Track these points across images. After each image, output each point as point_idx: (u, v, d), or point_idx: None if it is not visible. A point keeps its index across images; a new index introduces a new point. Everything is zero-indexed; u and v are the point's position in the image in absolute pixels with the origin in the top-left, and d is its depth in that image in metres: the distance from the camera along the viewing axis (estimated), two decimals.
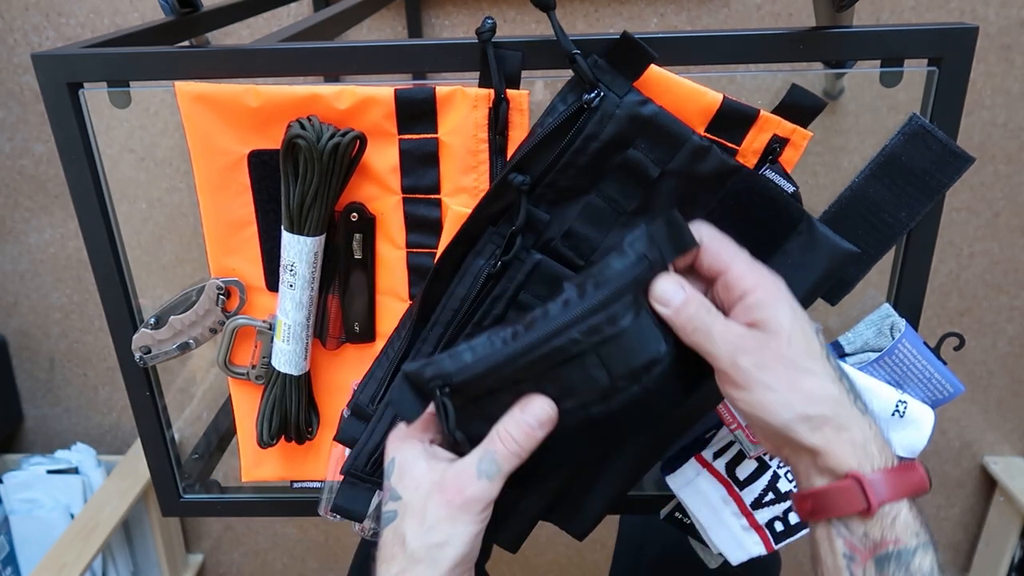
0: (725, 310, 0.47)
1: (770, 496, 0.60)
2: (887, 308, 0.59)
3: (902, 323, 0.58)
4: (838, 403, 0.44)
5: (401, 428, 0.51)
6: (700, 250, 0.48)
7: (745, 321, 0.46)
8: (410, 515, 0.47)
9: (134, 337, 0.61)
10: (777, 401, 0.44)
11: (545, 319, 0.46)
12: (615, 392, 0.48)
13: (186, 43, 0.72)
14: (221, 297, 0.60)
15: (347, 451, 0.59)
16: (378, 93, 0.53)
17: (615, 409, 0.48)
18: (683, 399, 0.51)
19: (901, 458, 0.56)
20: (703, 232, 0.48)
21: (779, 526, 0.60)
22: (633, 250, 0.47)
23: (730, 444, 0.60)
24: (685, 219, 0.54)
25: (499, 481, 0.47)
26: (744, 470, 0.60)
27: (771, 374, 0.44)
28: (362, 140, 0.54)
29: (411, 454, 0.49)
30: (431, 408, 0.49)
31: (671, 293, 0.47)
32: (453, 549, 0.46)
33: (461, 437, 0.48)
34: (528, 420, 0.47)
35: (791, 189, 0.53)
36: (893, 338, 0.57)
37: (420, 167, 0.55)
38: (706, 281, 0.49)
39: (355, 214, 0.56)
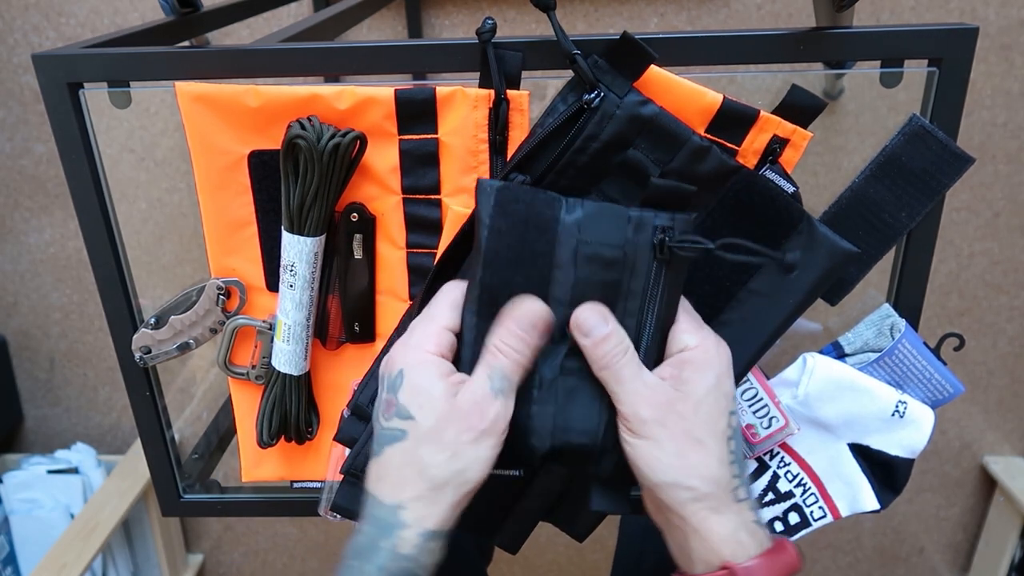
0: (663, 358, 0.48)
1: (770, 496, 0.60)
2: (887, 308, 0.59)
3: (902, 323, 0.58)
4: (718, 484, 0.45)
5: (416, 337, 0.48)
6: None
7: (668, 373, 0.47)
8: (427, 439, 0.45)
9: (134, 337, 0.61)
10: (661, 460, 0.45)
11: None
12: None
13: (186, 43, 0.72)
14: (221, 297, 0.60)
15: (347, 451, 0.59)
16: (378, 93, 0.53)
17: None
18: None
19: (773, 532, 0.56)
20: None
21: (779, 526, 0.60)
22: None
23: None
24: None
25: (512, 396, 0.46)
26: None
27: (665, 433, 0.45)
28: (362, 140, 0.54)
29: (425, 370, 0.46)
30: (446, 324, 0.47)
31: (593, 324, 0.46)
32: (475, 473, 0.45)
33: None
34: (522, 325, 0.46)
35: (791, 189, 0.53)
36: (893, 338, 0.57)
37: (420, 167, 0.55)
38: None
39: (355, 214, 0.56)
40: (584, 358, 0.47)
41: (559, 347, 0.48)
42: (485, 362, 0.46)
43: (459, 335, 0.48)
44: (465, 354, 0.48)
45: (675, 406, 0.45)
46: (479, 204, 0.47)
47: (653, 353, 0.48)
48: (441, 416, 0.45)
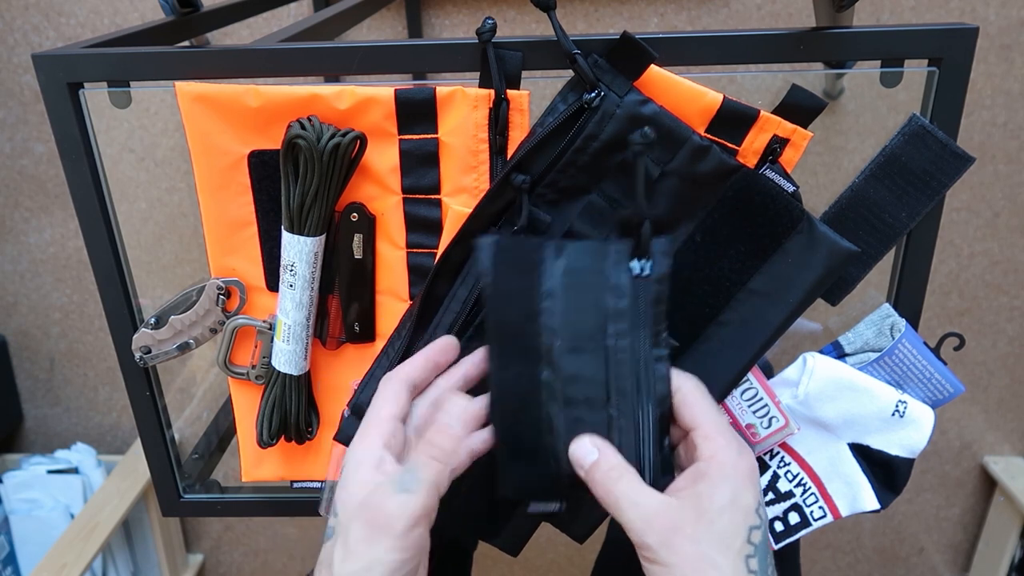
0: (684, 466, 0.47)
1: (770, 496, 0.60)
2: (887, 308, 0.59)
3: (902, 323, 0.58)
4: None
5: (364, 425, 0.47)
6: (677, 398, 0.47)
7: (683, 484, 0.45)
8: (339, 534, 0.44)
9: (134, 337, 0.61)
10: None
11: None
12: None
13: (186, 43, 0.72)
14: (221, 297, 0.60)
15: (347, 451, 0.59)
16: (378, 93, 0.53)
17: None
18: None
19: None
20: (684, 384, 0.48)
21: (779, 526, 0.60)
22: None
23: None
24: (683, 217, 0.54)
25: (422, 494, 0.43)
26: None
27: (676, 558, 0.42)
28: (362, 140, 0.54)
29: (352, 464, 0.46)
30: (389, 412, 0.48)
31: (583, 454, 0.46)
32: (377, 572, 0.42)
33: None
34: (448, 421, 0.46)
35: (791, 189, 0.53)
36: (893, 338, 0.57)
37: (420, 167, 0.55)
38: (682, 432, 0.48)
39: (355, 214, 0.56)
40: (582, 392, 0.48)
41: (555, 380, 0.48)
42: (408, 458, 0.46)
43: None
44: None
45: (684, 529, 0.42)
46: (479, 258, 0.50)
47: (654, 374, 0.48)
48: (350, 513, 0.44)
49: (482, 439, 0.49)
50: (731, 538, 0.43)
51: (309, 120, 0.52)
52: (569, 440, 0.48)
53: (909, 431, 0.58)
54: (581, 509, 0.60)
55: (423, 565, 0.46)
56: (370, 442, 0.46)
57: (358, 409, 0.58)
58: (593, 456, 0.46)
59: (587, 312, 0.48)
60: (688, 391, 0.48)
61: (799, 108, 0.52)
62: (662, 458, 0.48)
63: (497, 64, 0.51)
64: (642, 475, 0.47)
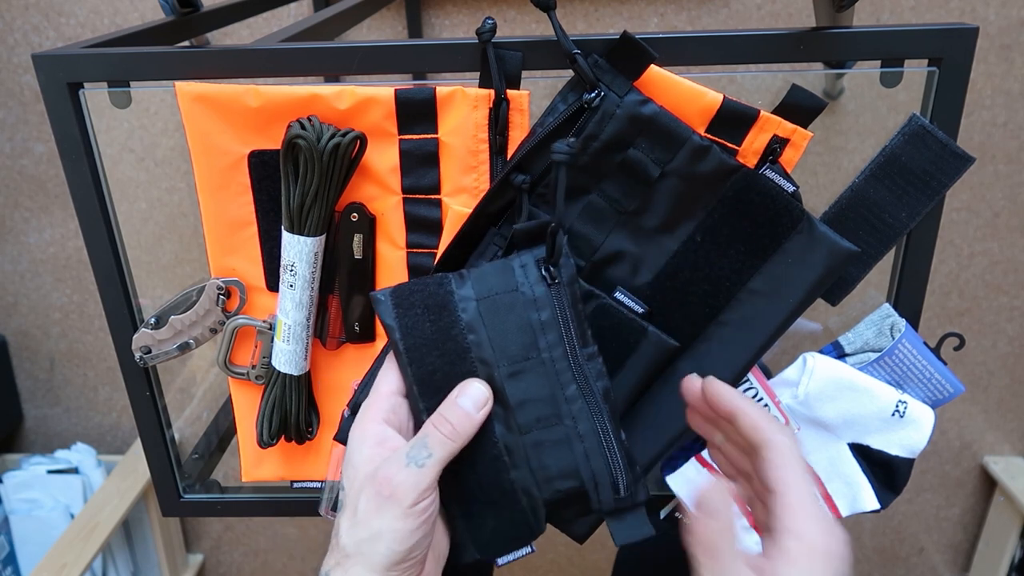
0: (766, 526, 0.44)
1: None
2: (887, 308, 0.59)
3: (902, 323, 0.58)
4: None
5: (364, 405, 0.49)
6: (764, 453, 0.45)
7: (764, 564, 0.42)
8: (347, 506, 0.46)
9: (134, 337, 0.61)
10: None
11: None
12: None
13: (186, 43, 0.72)
14: (221, 297, 0.60)
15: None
16: (378, 93, 0.53)
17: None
18: None
19: None
20: (775, 437, 0.45)
21: None
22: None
23: None
24: (683, 217, 0.54)
25: (432, 469, 0.45)
26: None
27: None
28: (362, 140, 0.54)
29: (359, 442, 0.47)
30: (390, 389, 0.49)
31: (716, 505, 0.43)
32: (385, 545, 0.44)
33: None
34: (463, 403, 0.46)
35: (791, 189, 0.53)
36: (893, 338, 0.57)
37: (420, 167, 0.55)
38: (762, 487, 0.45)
39: (355, 214, 0.56)
40: (532, 414, 0.48)
41: (506, 412, 0.49)
42: (419, 432, 0.46)
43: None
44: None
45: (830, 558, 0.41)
46: (380, 314, 0.50)
47: (592, 372, 0.50)
48: (359, 484, 0.45)
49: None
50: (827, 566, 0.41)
51: (309, 120, 0.52)
52: (539, 464, 0.49)
53: (909, 431, 0.58)
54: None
55: (435, 532, 0.47)
56: (373, 417, 0.48)
57: (358, 409, 0.58)
58: (725, 512, 0.43)
59: (515, 333, 0.49)
60: (778, 447, 0.44)
61: (799, 108, 0.52)
62: (625, 452, 0.50)
63: (497, 64, 0.51)
64: (614, 481, 0.48)
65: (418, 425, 0.48)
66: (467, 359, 0.48)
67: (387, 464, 0.45)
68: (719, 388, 0.49)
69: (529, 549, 0.52)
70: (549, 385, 0.49)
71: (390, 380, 0.49)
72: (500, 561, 0.52)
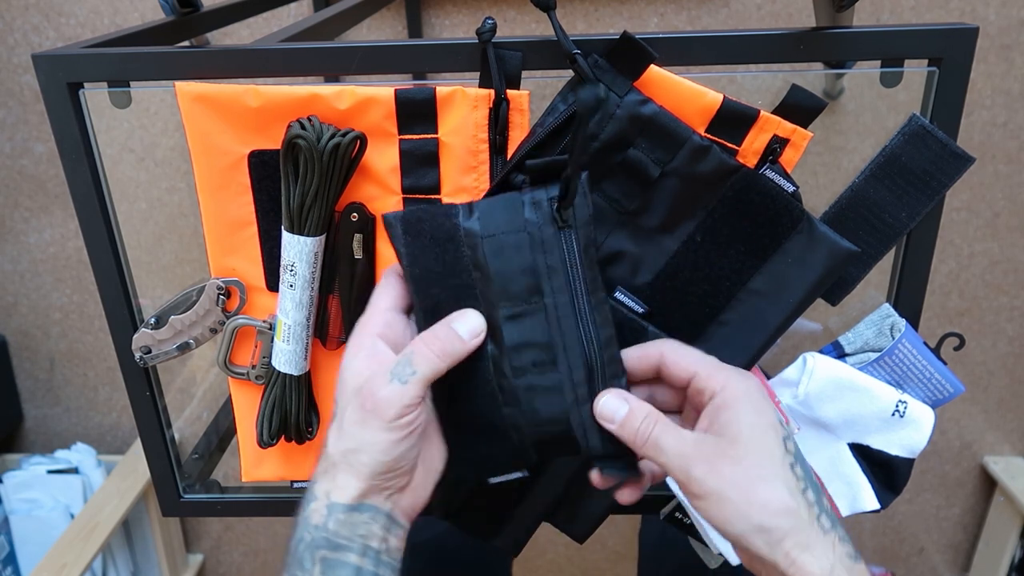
0: (697, 416, 0.47)
1: None
2: (887, 308, 0.59)
3: (902, 323, 0.58)
4: (796, 516, 0.42)
5: (362, 320, 0.49)
6: (663, 365, 0.48)
7: (706, 425, 0.45)
8: (335, 416, 0.47)
9: (134, 337, 0.61)
10: (733, 512, 0.42)
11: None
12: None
13: (186, 43, 0.72)
14: (221, 297, 0.60)
15: None
16: (378, 93, 0.53)
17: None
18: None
19: (875, 572, 0.53)
20: (663, 347, 0.48)
21: None
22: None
23: None
24: (683, 217, 0.54)
25: (415, 386, 0.45)
26: None
27: (725, 483, 0.43)
28: (362, 140, 0.53)
29: (353, 350, 0.48)
30: (385, 304, 0.49)
31: (613, 408, 0.47)
32: (368, 456, 0.45)
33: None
34: (456, 327, 0.47)
35: (791, 189, 0.53)
36: (893, 338, 0.57)
37: (420, 167, 0.55)
38: (679, 393, 0.49)
39: (355, 214, 0.56)
40: (528, 358, 0.48)
41: (501, 353, 0.49)
42: (405, 349, 0.47)
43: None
44: None
45: (725, 452, 0.43)
46: (390, 237, 0.49)
47: (597, 319, 0.49)
48: (347, 396, 0.47)
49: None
50: (770, 452, 0.44)
51: (309, 120, 0.52)
52: (530, 408, 0.49)
53: (909, 431, 0.58)
54: (580, 510, 0.60)
55: (427, 446, 0.48)
56: (367, 331, 0.48)
57: None
58: (623, 410, 0.46)
59: (518, 275, 0.48)
60: (670, 350, 0.48)
61: (799, 108, 0.52)
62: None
63: (497, 64, 0.51)
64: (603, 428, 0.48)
65: None
66: (470, 295, 0.48)
67: (373, 378, 0.46)
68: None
69: (521, 474, 0.53)
70: (548, 331, 0.48)
71: (388, 296, 0.50)
72: (492, 480, 0.53)
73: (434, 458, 0.50)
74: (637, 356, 0.50)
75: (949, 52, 0.52)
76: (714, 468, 0.43)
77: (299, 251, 0.55)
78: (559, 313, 0.48)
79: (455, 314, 0.48)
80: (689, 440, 0.45)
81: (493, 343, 0.49)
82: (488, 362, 0.49)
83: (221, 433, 0.76)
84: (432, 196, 0.56)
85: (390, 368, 0.46)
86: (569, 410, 0.49)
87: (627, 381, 0.49)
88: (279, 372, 0.60)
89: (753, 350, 0.55)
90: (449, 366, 0.47)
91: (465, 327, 0.47)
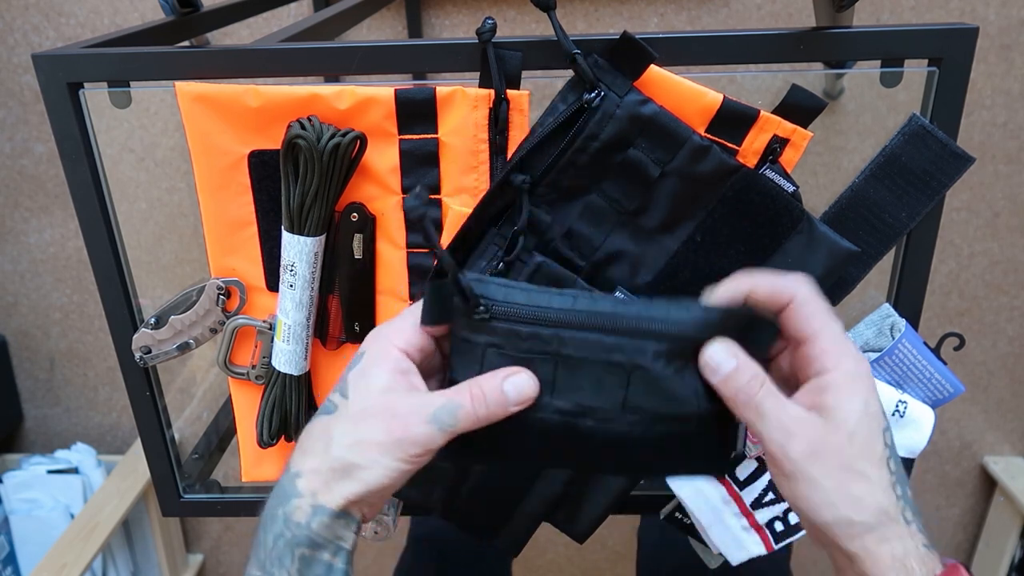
0: (795, 380, 0.44)
1: (770, 496, 0.60)
2: (887, 308, 0.59)
3: (902, 323, 0.58)
4: (885, 513, 0.41)
5: (392, 324, 0.47)
6: (791, 308, 0.44)
7: (809, 402, 0.43)
8: (348, 419, 0.45)
9: (134, 337, 0.61)
10: (822, 500, 0.41)
11: (612, 310, 0.44)
12: (618, 420, 0.45)
13: (186, 43, 0.72)
14: (221, 297, 0.60)
15: None
16: (378, 93, 0.53)
17: (605, 437, 0.46)
18: (665, 472, 0.50)
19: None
20: (799, 290, 0.44)
21: (779, 526, 0.60)
22: (716, 314, 0.45)
23: None
24: (683, 217, 0.54)
25: (448, 435, 0.44)
26: (744, 470, 0.60)
27: (821, 470, 0.41)
28: (362, 140, 0.54)
29: (380, 360, 0.45)
30: (442, 328, 0.46)
31: (721, 359, 0.43)
32: (372, 476, 0.43)
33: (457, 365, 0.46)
34: (507, 389, 0.44)
35: (791, 189, 0.53)
36: (893, 338, 0.57)
37: (420, 167, 0.55)
38: (788, 342, 0.45)
39: (355, 214, 0.56)
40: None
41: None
42: (451, 392, 0.44)
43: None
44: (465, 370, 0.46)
45: (827, 438, 0.41)
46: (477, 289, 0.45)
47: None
48: (370, 405, 0.44)
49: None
50: (872, 446, 0.42)
51: (309, 120, 0.52)
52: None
53: (909, 431, 0.58)
54: (580, 510, 0.60)
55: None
56: (397, 342, 0.46)
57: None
58: (730, 364, 0.43)
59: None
60: (803, 299, 0.44)
61: (799, 108, 0.52)
62: None
63: (497, 64, 0.51)
64: None
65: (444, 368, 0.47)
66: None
67: (410, 407, 0.44)
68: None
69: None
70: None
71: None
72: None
73: None
74: (768, 286, 0.45)
75: (949, 52, 0.52)
76: (814, 451, 0.41)
77: (299, 251, 0.55)
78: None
79: (507, 370, 0.45)
80: (793, 414, 0.42)
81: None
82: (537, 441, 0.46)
83: (221, 433, 0.76)
84: (432, 196, 0.56)
85: (434, 409, 0.44)
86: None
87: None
88: (279, 372, 0.60)
89: None
90: (486, 424, 0.45)
91: (515, 389, 0.45)
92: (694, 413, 0.44)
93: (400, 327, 0.46)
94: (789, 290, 0.44)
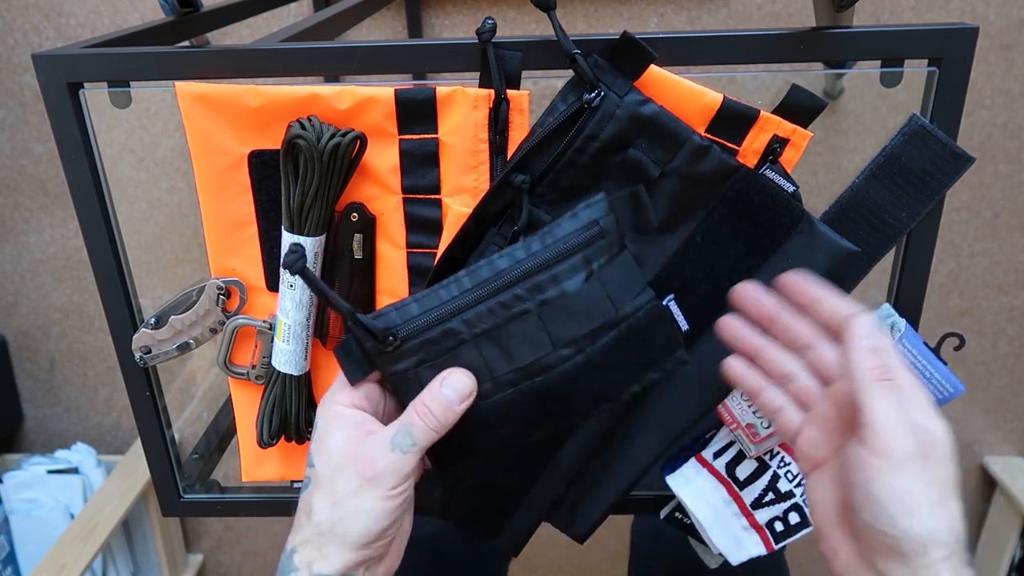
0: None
1: (770, 496, 0.60)
2: (887, 308, 0.59)
3: (902, 323, 0.58)
4: (961, 545, 0.40)
5: (334, 388, 0.50)
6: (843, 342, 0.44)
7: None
8: (321, 485, 0.46)
9: (134, 337, 0.61)
10: (918, 507, 0.39)
11: (492, 272, 0.47)
12: (558, 359, 0.47)
13: (186, 43, 0.72)
14: (221, 297, 0.60)
15: None
16: (378, 93, 0.53)
17: (559, 381, 0.47)
18: (636, 381, 0.50)
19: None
20: (856, 323, 0.44)
21: (779, 526, 0.60)
22: (586, 214, 0.47)
23: (730, 444, 0.60)
24: (683, 217, 0.54)
25: (414, 455, 0.46)
26: (744, 470, 0.60)
27: (923, 476, 0.40)
28: (362, 140, 0.54)
29: (331, 422, 0.48)
30: (374, 375, 0.49)
31: (871, 331, 0.43)
32: (362, 524, 0.45)
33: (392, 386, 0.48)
34: (447, 393, 0.47)
35: (791, 189, 0.53)
36: (893, 338, 0.57)
37: (420, 167, 0.55)
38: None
39: (355, 214, 0.56)
40: None
41: None
42: (401, 418, 0.47)
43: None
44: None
45: (933, 450, 0.40)
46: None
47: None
48: (336, 465, 0.46)
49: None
50: (954, 477, 0.41)
51: (309, 120, 0.52)
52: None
53: None
54: (580, 510, 0.60)
55: (408, 513, 0.49)
56: (338, 400, 0.49)
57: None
58: (882, 340, 0.43)
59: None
60: (858, 330, 0.44)
61: (799, 108, 0.52)
62: None
63: (497, 64, 0.51)
64: None
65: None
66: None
67: (370, 446, 0.46)
68: (797, 276, 0.48)
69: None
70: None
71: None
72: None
73: (407, 522, 0.50)
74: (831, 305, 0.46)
75: (949, 52, 0.52)
76: (921, 451, 0.40)
77: None
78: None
79: (442, 375, 0.47)
80: (906, 415, 0.42)
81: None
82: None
83: (221, 433, 0.76)
84: (432, 196, 0.56)
85: (390, 437, 0.46)
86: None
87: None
88: (279, 372, 0.60)
89: None
90: (444, 432, 0.47)
91: (454, 392, 0.47)
92: (616, 317, 0.46)
93: (340, 386, 0.49)
94: (847, 311, 0.44)
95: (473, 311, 0.46)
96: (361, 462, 0.45)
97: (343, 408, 0.48)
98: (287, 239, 0.55)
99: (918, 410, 0.42)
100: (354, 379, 0.48)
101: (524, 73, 0.52)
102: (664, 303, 0.52)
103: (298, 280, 0.56)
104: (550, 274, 0.46)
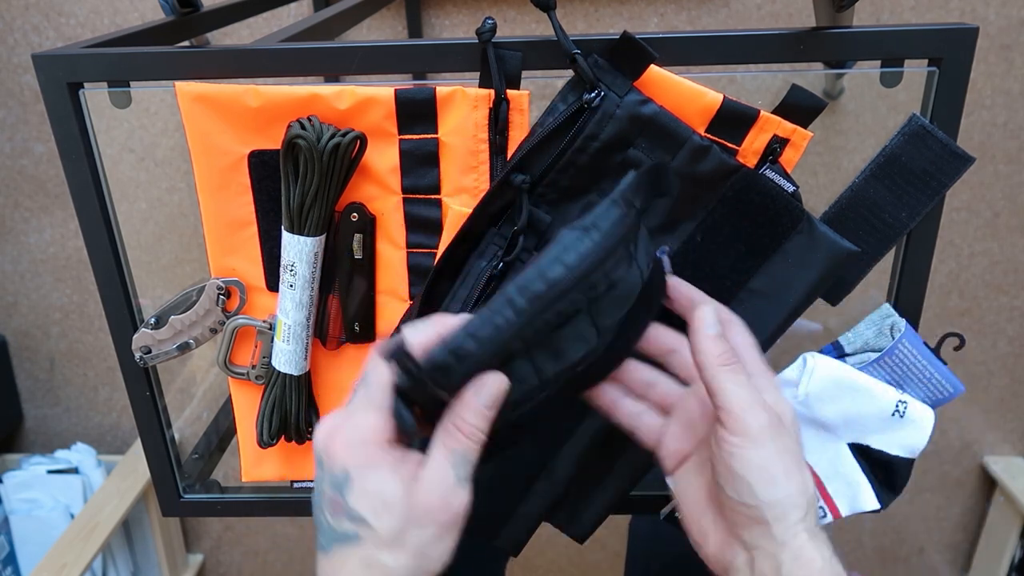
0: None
1: None
2: (887, 308, 0.59)
3: (902, 323, 0.58)
4: (813, 508, 0.44)
5: (350, 423, 0.44)
6: (689, 332, 0.47)
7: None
8: (387, 544, 0.42)
9: (134, 337, 0.61)
10: (773, 473, 0.43)
11: (547, 285, 0.42)
12: (599, 347, 0.46)
13: (186, 43, 0.72)
14: (221, 297, 0.60)
15: None
16: (378, 93, 0.53)
17: (591, 364, 0.46)
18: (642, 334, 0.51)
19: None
20: (701, 311, 0.47)
21: None
22: (621, 197, 0.45)
23: None
24: (683, 217, 0.54)
25: (471, 475, 0.43)
26: None
27: (776, 446, 0.44)
28: (362, 140, 0.54)
29: (376, 472, 0.42)
30: (390, 406, 0.43)
31: (713, 321, 0.46)
32: (438, 565, 0.43)
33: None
34: (484, 402, 0.43)
35: (791, 189, 0.53)
36: (893, 338, 0.57)
37: (420, 167, 0.55)
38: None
39: (355, 214, 0.56)
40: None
41: None
42: (445, 446, 0.43)
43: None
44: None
45: (782, 424, 0.45)
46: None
47: None
48: (402, 519, 0.42)
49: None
50: (801, 451, 0.46)
51: (309, 120, 0.52)
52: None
53: (909, 431, 0.58)
54: (580, 510, 0.60)
55: None
56: (377, 436, 0.43)
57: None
58: (717, 329, 0.46)
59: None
60: (699, 321, 0.47)
61: (799, 108, 0.52)
62: None
63: (497, 64, 0.51)
64: None
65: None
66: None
67: (435, 488, 0.42)
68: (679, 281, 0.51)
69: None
70: None
71: (388, 397, 0.44)
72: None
73: None
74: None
75: (949, 52, 0.52)
76: (772, 427, 0.44)
77: (299, 251, 0.55)
78: None
79: (479, 385, 0.43)
80: (755, 395, 0.45)
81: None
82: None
83: (221, 433, 0.76)
84: (432, 196, 0.56)
85: (452, 473, 0.42)
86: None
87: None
88: (279, 372, 0.60)
89: None
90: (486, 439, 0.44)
91: (491, 399, 0.43)
92: (642, 286, 0.47)
93: (367, 424, 0.43)
94: (694, 301, 0.48)
95: (531, 328, 0.42)
96: (439, 510, 0.42)
97: (378, 449, 0.43)
98: (287, 239, 0.55)
99: (766, 393, 0.46)
100: (411, 430, 0.43)
101: (524, 73, 0.53)
102: (657, 255, 0.53)
103: (298, 280, 0.56)
104: (603, 270, 0.44)
